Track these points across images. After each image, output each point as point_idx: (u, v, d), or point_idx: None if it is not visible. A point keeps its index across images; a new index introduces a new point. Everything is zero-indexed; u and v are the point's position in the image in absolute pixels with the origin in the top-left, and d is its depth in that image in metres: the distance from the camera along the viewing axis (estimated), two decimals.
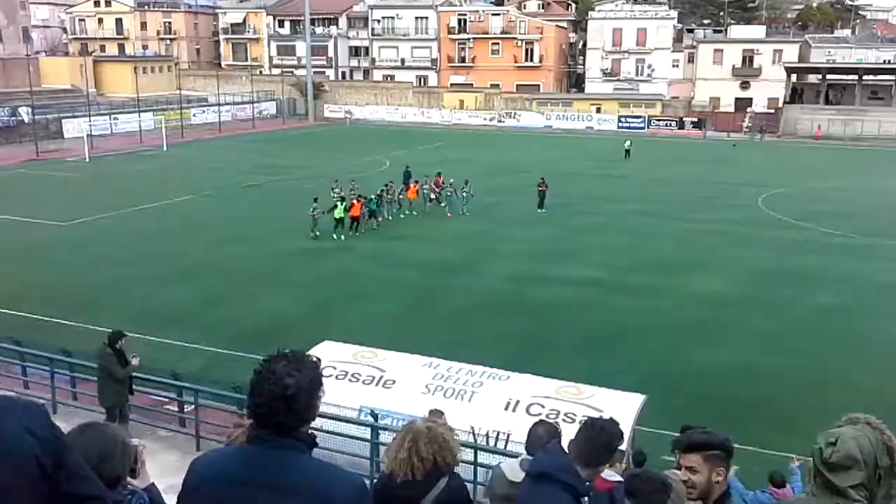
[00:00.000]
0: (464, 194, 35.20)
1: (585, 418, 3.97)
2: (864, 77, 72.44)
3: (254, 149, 58.51)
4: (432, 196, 35.83)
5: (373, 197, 31.33)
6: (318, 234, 29.03)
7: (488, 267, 26.30)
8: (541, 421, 5.74)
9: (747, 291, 23.65)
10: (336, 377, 12.43)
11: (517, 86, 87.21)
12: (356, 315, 20.99)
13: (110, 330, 12.56)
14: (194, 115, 74.72)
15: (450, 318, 21.06)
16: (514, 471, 4.96)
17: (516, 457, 5.46)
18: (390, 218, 32.91)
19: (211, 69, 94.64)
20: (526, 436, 5.38)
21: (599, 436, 3.77)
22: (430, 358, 13.16)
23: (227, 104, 79.50)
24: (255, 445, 2.85)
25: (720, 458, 3.58)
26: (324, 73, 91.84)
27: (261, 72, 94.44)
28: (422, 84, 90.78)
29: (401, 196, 34.47)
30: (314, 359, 2.96)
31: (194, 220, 32.99)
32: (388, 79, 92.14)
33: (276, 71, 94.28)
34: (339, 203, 29.34)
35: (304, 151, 57.17)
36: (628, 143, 54.69)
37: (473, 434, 11.09)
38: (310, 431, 2.94)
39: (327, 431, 11.19)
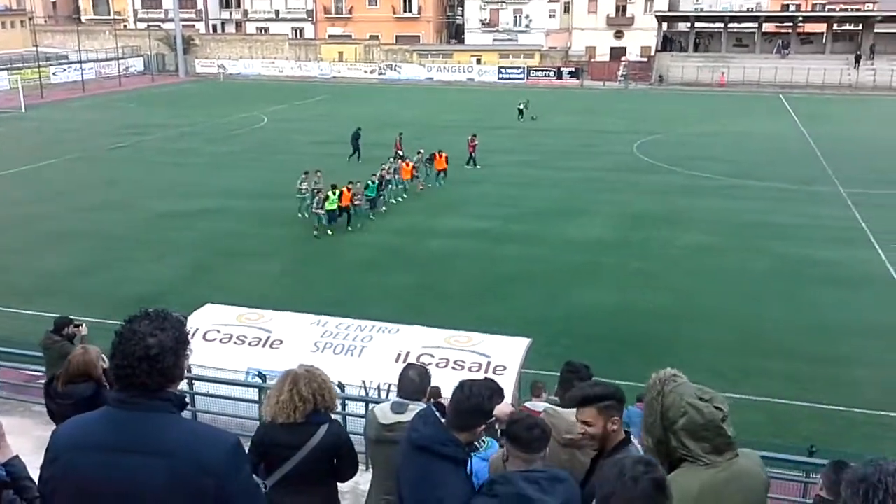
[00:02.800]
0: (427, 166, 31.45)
1: (459, 382, 3.99)
2: (730, 25, 75.52)
3: (122, 108, 55.53)
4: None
5: (370, 182, 26.20)
6: (329, 231, 24.25)
7: (376, 222, 26.12)
8: (411, 364, 5.85)
9: (624, 234, 24.53)
10: (221, 340, 12.15)
11: (397, 37, 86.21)
12: (240, 276, 20.49)
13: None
14: (54, 74, 69.91)
15: (337, 274, 20.87)
16: (385, 414, 5.05)
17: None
18: (394, 201, 28.45)
19: (70, 24, 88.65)
20: (398, 380, 5.45)
21: (469, 399, 3.79)
22: (318, 316, 13.03)
23: (89, 61, 74.85)
24: (119, 409, 2.72)
25: (614, 408, 3.69)
26: (193, 26, 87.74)
27: (125, 26, 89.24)
28: (298, 36, 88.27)
29: (396, 175, 28.96)
30: (179, 317, 2.84)
31: (60, 184, 31.10)
32: (263, 31, 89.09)
33: (142, 25, 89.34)
34: (331, 193, 24.40)
35: (175, 109, 54.71)
36: (522, 103, 50.85)
37: (365, 388, 11.10)
38: (180, 392, 2.83)
39: (214, 395, 10.96)
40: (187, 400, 2.92)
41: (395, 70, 79.12)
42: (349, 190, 24.83)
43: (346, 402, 11.06)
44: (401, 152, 34.70)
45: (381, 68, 79.70)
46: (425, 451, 3.76)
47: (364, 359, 11.46)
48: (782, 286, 19.93)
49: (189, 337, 2.84)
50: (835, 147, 39.15)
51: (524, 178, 32.83)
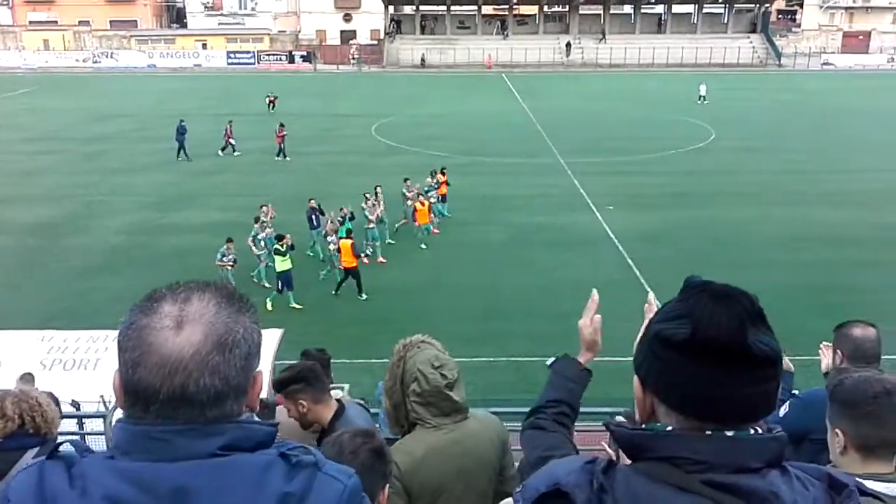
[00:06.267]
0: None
1: None
2: (452, 7, 78.86)
3: None
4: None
5: (340, 217, 19.63)
6: (295, 302, 17.65)
7: (102, 221, 24.13)
8: None
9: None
10: None
11: (111, 22, 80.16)
12: None
13: None
14: None
15: (62, 282, 18.97)
16: None
17: None
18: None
19: None
20: None
21: None
22: (43, 331, 11.79)
23: None
24: None
25: (297, 391, 3.77)
26: None
27: None
28: None
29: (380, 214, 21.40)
30: None
31: None
32: None
33: None
34: (279, 246, 17.35)
35: None
36: (272, 95, 47.18)
37: (104, 403, 10.20)
38: None
39: None
40: None
41: (111, 57, 73.49)
42: (349, 237, 17.93)
43: (83, 420, 10.12)
44: (232, 141, 32.30)
45: (95, 56, 73.61)
46: None
47: (100, 372, 10.52)
48: (518, 253, 21.28)
49: None
50: (553, 121, 42.48)
51: (265, 165, 32.04)
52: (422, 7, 79.02)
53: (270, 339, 11.32)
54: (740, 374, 1.44)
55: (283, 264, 17.36)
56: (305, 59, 74.88)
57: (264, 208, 20.05)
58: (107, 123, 41.58)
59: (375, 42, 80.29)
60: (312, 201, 21.05)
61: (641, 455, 1.51)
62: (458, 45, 76.02)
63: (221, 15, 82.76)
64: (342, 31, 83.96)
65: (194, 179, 29.48)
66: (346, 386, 10.72)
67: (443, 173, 24.98)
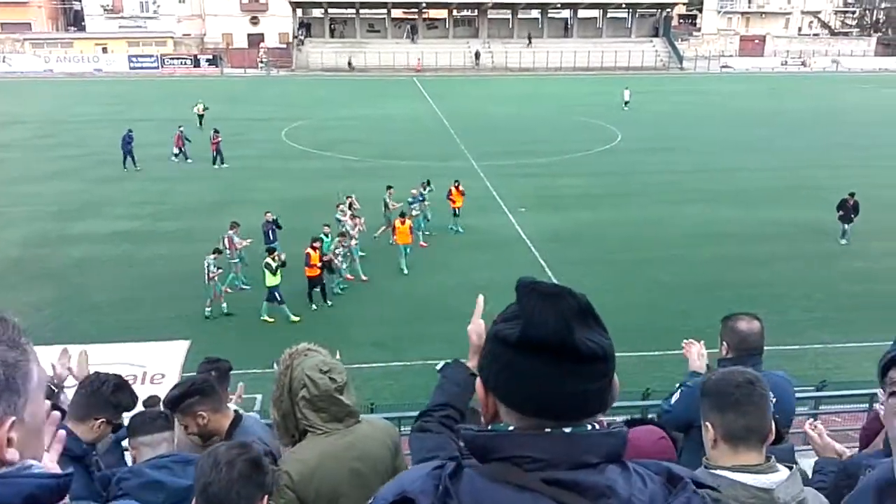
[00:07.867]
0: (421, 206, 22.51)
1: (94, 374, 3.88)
2: (361, 11, 78.50)
3: None
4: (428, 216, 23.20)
5: (323, 237, 18.30)
6: (287, 316, 16.99)
7: None
8: None
9: (286, 222, 24.33)
10: None
11: (2, 25, 76.66)
12: None
13: None
14: None
15: None
16: None
17: None
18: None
19: None
20: None
21: (100, 389, 3.67)
22: None
23: None
24: None
25: (192, 405, 3.72)
26: None
27: None
28: None
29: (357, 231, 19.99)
30: None
31: None
32: None
33: None
34: (270, 260, 16.66)
35: None
36: (200, 105, 43.82)
37: None
38: None
39: None
40: None
41: (4, 62, 70.18)
42: (315, 249, 17.37)
43: None
44: (182, 149, 30.81)
45: None
46: None
47: None
48: (432, 256, 21.28)
49: None
50: (465, 124, 42.76)
51: (173, 171, 31.12)
52: (330, 10, 78.38)
53: (176, 351, 10.96)
54: (570, 371, 1.47)
55: (272, 279, 16.60)
56: (211, 62, 73.20)
57: (236, 228, 18.86)
58: (2, 131, 39.59)
59: (284, 45, 79.19)
60: (269, 214, 20.02)
61: (487, 456, 1.53)
62: (367, 48, 75.77)
63: (122, 18, 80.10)
64: (249, 35, 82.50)
65: (100, 188, 28.36)
66: (259, 396, 10.48)
67: (457, 187, 23.74)
